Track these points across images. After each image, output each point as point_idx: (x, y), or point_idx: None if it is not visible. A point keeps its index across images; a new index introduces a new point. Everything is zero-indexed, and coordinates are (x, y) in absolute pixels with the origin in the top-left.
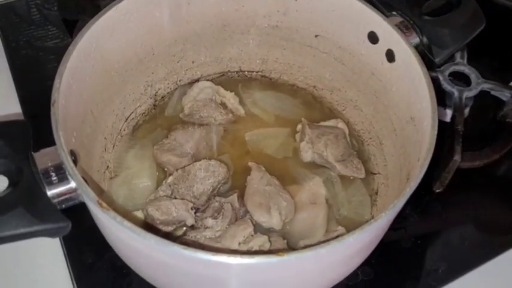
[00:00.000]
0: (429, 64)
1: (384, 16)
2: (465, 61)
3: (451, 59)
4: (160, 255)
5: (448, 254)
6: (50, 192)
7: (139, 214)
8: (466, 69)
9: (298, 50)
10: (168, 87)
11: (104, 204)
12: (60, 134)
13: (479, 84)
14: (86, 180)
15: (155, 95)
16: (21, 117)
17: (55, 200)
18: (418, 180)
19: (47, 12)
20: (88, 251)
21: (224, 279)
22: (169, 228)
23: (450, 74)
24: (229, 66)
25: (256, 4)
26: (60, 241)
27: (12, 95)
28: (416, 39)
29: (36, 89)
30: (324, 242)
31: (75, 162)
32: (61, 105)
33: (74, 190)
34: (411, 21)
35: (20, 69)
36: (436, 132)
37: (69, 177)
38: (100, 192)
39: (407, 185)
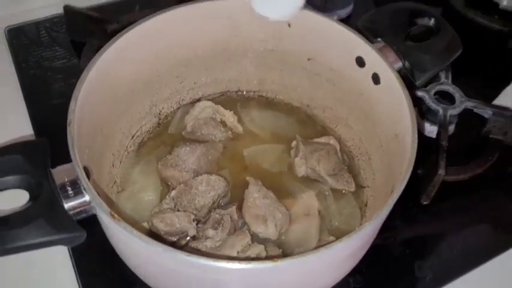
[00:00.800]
0: (411, 86)
1: (369, 42)
2: (450, 81)
3: (436, 79)
4: (167, 261)
5: (436, 262)
6: (67, 205)
7: (145, 226)
8: (451, 88)
9: (292, 71)
10: (171, 107)
11: (116, 216)
12: (75, 152)
13: (462, 102)
14: (98, 194)
15: (159, 114)
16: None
17: (71, 212)
18: (399, 192)
19: (55, 35)
20: (96, 261)
21: (224, 283)
22: (172, 239)
23: (436, 93)
24: (228, 86)
25: (253, 30)
26: (69, 251)
27: (23, 111)
28: (399, 64)
29: (44, 106)
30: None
31: (88, 177)
32: (76, 125)
33: (88, 203)
34: (394, 47)
35: (30, 88)
36: (415, 148)
37: (83, 191)
38: (110, 204)
39: (390, 197)
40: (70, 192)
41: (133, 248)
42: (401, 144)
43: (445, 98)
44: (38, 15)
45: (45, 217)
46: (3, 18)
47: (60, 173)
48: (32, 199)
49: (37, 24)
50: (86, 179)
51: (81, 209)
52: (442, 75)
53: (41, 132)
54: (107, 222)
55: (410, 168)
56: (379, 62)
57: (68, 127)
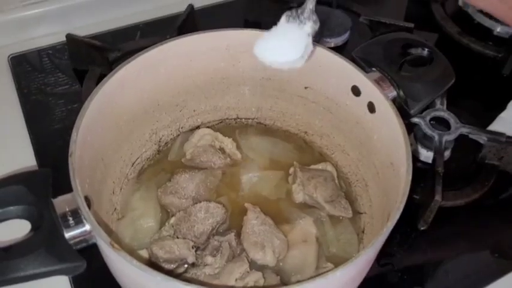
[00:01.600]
0: (405, 114)
1: (364, 72)
2: (444, 107)
3: (431, 105)
4: None
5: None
6: (68, 235)
7: (144, 253)
8: (446, 114)
9: (290, 99)
10: (171, 134)
11: (116, 245)
12: (76, 182)
13: (458, 128)
14: (98, 223)
15: (159, 141)
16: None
17: (72, 242)
18: (394, 221)
19: (57, 62)
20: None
21: None
22: (171, 266)
23: (431, 119)
24: (227, 114)
25: (251, 60)
26: (69, 280)
27: (25, 136)
28: (393, 93)
29: (45, 131)
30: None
31: (89, 206)
32: (77, 155)
33: (89, 232)
34: (389, 77)
35: (31, 113)
36: (410, 178)
37: (84, 220)
38: (110, 233)
39: (385, 225)
40: (71, 221)
41: (132, 277)
42: (396, 173)
43: (441, 123)
44: (40, 43)
45: (46, 247)
46: (7, 46)
47: (61, 203)
48: (33, 229)
49: (40, 52)
50: (87, 209)
51: (82, 238)
52: (437, 101)
53: (42, 157)
54: (107, 252)
55: (405, 198)
56: (374, 91)
57: (69, 158)
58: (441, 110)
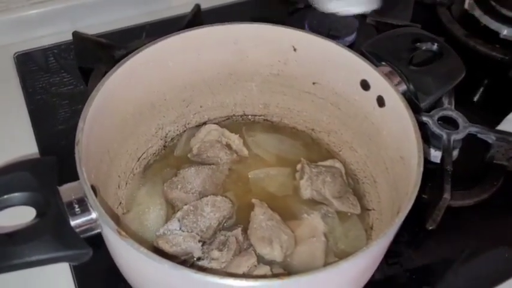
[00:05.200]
0: (416, 109)
1: (374, 66)
2: (453, 106)
3: (439, 104)
4: (173, 280)
5: None
6: (74, 222)
7: (151, 245)
8: (454, 114)
9: (297, 95)
10: (178, 130)
11: (123, 233)
12: (83, 169)
13: (466, 127)
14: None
15: (165, 137)
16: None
17: (78, 230)
18: (406, 211)
19: (63, 61)
20: (99, 283)
21: None
22: (177, 260)
23: (439, 119)
24: (234, 110)
25: (259, 55)
26: (72, 272)
27: (30, 136)
28: (403, 87)
29: (50, 132)
30: None
31: (95, 195)
32: (83, 144)
33: (95, 221)
34: (399, 71)
35: (36, 113)
36: (422, 169)
37: (90, 208)
38: (117, 222)
39: (396, 217)
40: (77, 209)
41: (138, 266)
42: (406, 166)
43: (449, 123)
44: (46, 42)
45: (51, 233)
46: (13, 45)
47: (67, 191)
48: (38, 216)
49: (45, 51)
50: (93, 196)
51: (88, 226)
52: (445, 101)
53: (46, 154)
54: (113, 240)
55: (416, 190)
56: (384, 84)
57: (76, 146)
58: (449, 110)
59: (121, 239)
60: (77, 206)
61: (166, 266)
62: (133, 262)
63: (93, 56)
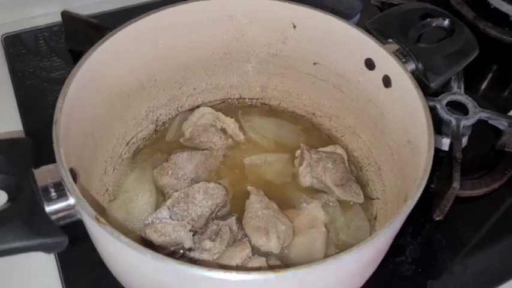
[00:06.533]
0: (425, 91)
1: (380, 43)
2: (462, 91)
3: (448, 89)
4: (157, 272)
5: (449, 282)
6: (49, 208)
7: (138, 235)
8: (463, 98)
9: (297, 77)
10: (169, 113)
11: (102, 219)
12: (60, 151)
13: (476, 113)
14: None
15: (156, 121)
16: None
17: (54, 217)
18: (416, 199)
19: (53, 45)
20: (85, 276)
21: None
22: (167, 251)
23: (447, 104)
24: (229, 93)
25: (256, 33)
26: (57, 263)
27: (17, 123)
28: (412, 66)
29: (38, 118)
30: None
31: (74, 180)
32: (62, 124)
33: (73, 207)
34: (407, 49)
35: (25, 99)
36: (432, 153)
37: (68, 193)
38: (101, 211)
39: (404, 204)
40: (53, 194)
41: (120, 257)
42: (414, 151)
43: (457, 109)
44: (36, 23)
45: (22, 220)
46: (1, 25)
47: (43, 174)
48: (10, 200)
49: (35, 33)
50: (71, 180)
51: (65, 213)
52: (454, 85)
53: (34, 144)
54: (92, 228)
55: (427, 175)
56: (391, 63)
57: (53, 125)
58: (458, 94)
59: (100, 226)
60: (53, 190)
61: (149, 256)
62: (115, 252)
63: (84, 38)
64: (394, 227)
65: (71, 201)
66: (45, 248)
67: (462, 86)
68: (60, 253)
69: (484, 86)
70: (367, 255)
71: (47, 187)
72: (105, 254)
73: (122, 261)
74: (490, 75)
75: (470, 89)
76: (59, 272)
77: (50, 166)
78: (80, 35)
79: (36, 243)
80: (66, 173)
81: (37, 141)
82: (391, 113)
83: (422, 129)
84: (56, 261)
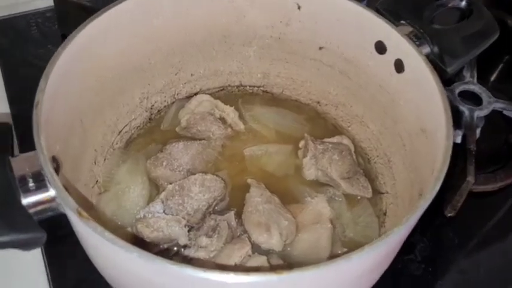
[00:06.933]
0: (440, 76)
1: (392, 24)
2: (475, 80)
3: (460, 78)
4: (145, 271)
5: (461, 282)
6: (26, 200)
7: (129, 231)
8: (477, 88)
9: (301, 63)
10: (165, 101)
11: (84, 213)
12: (41, 138)
13: (490, 103)
14: (67, 190)
15: (151, 108)
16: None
17: (31, 210)
18: (434, 193)
19: (46, 30)
20: (72, 272)
21: None
22: (160, 248)
23: (459, 94)
24: (229, 80)
25: (258, 14)
26: (43, 258)
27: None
28: (426, 49)
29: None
30: None
31: (56, 170)
32: (45, 108)
33: (53, 199)
34: (421, 30)
35: (15, 87)
36: (451, 142)
37: (48, 184)
38: (89, 205)
39: (421, 199)
40: (31, 184)
41: (105, 254)
42: (430, 140)
43: (470, 99)
44: (28, 8)
45: None
46: None
47: (20, 162)
48: None
49: (27, 17)
50: (52, 169)
51: (44, 206)
52: (467, 74)
53: (23, 137)
54: (75, 222)
55: (446, 166)
56: (404, 46)
57: (34, 109)
58: (471, 83)
59: (82, 221)
60: (31, 180)
61: (135, 255)
62: (99, 250)
63: (76, 22)
64: (410, 224)
65: (51, 192)
66: (20, 245)
67: (475, 75)
68: (47, 248)
69: (493, 76)
70: (379, 255)
71: (25, 177)
72: (90, 250)
73: (107, 259)
74: (500, 66)
75: (482, 79)
76: (46, 267)
77: (30, 154)
78: (72, 19)
79: (10, 239)
80: (47, 162)
81: (25, 128)
82: (403, 100)
83: (440, 117)
84: (43, 257)
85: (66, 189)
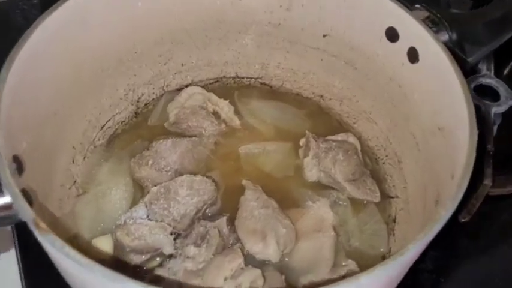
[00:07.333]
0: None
1: (405, 8)
2: (492, 73)
3: (475, 70)
4: None
5: None
6: None
7: (107, 239)
8: (494, 82)
9: (303, 53)
10: (153, 93)
11: (42, 224)
12: None
13: (509, 98)
14: (31, 196)
15: (137, 101)
16: None
17: None
18: (456, 203)
19: (32, 18)
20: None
21: None
22: (142, 258)
23: (475, 88)
24: (224, 71)
25: None
26: (18, 264)
27: None
28: (445, 36)
29: None
30: (330, 280)
31: (19, 171)
32: (6, 98)
33: (9, 206)
34: (438, 15)
35: None
36: (475, 141)
37: (4, 189)
38: (53, 220)
39: (441, 207)
40: None
41: (69, 270)
42: (448, 139)
43: (486, 94)
44: None
45: None
46: None
47: None
48: None
49: (11, 3)
50: (8, 171)
51: (2, 214)
52: (483, 66)
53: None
54: (35, 234)
55: (470, 168)
56: (419, 32)
57: None
58: (488, 77)
59: (40, 234)
60: None
61: (99, 274)
62: (62, 264)
63: None
64: (428, 239)
65: (7, 199)
66: None
67: (492, 68)
68: (21, 253)
69: (507, 70)
70: (389, 277)
71: None
72: (56, 264)
73: (70, 276)
74: None
75: (499, 73)
76: (20, 272)
77: None
78: None
79: None
80: (2, 162)
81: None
82: (417, 93)
83: (461, 112)
84: (18, 262)
85: (28, 193)
